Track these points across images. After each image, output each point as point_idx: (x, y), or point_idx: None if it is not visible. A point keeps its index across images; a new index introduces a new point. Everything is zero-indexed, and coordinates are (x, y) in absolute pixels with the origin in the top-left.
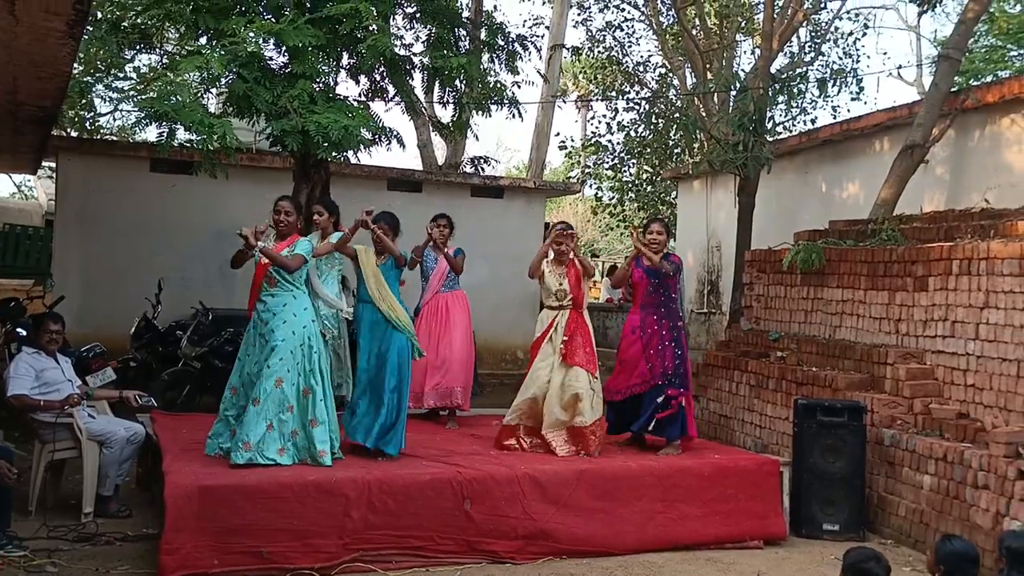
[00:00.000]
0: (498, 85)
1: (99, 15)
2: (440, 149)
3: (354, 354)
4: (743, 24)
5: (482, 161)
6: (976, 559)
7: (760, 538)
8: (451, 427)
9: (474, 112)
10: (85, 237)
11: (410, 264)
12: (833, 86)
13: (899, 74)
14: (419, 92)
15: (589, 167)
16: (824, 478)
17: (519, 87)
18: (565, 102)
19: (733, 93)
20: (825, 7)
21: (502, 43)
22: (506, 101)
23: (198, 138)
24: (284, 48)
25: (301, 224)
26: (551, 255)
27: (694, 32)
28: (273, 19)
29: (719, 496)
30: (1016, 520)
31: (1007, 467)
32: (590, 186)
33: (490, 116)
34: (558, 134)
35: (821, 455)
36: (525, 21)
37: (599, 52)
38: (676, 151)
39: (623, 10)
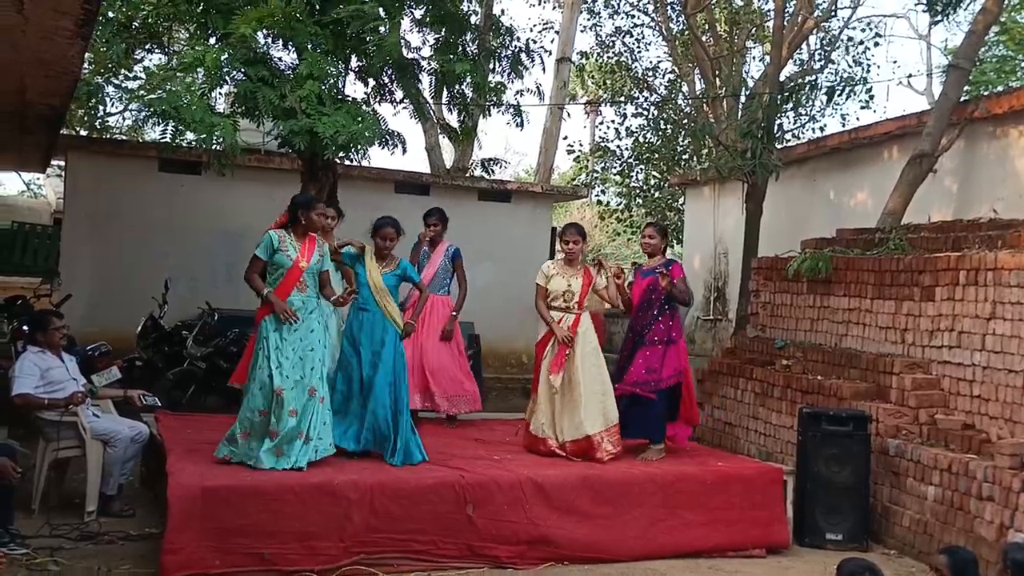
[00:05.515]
0: (499, 86)
1: (109, 15)
2: (448, 152)
3: None
4: (753, 31)
5: (492, 163)
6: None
7: (763, 547)
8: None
9: (481, 115)
10: (93, 236)
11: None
12: (841, 94)
13: (909, 83)
14: (427, 95)
15: (597, 172)
16: (828, 487)
17: (521, 95)
18: (574, 105)
19: (742, 100)
20: (836, 15)
21: (508, 54)
22: (506, 105)
23: (199, 137)
24: (292, 47)
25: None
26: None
27: (704, 39)
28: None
29: (722, 504)
30: (1020, 532)
31: (1012, 479)
32: (599, 191)
33: (489, 115)
34: (566, 138)
35: (825, 464)
36: (535, 26)
37: (608, 57)
38: (684, 157)
39: (633, 16)
